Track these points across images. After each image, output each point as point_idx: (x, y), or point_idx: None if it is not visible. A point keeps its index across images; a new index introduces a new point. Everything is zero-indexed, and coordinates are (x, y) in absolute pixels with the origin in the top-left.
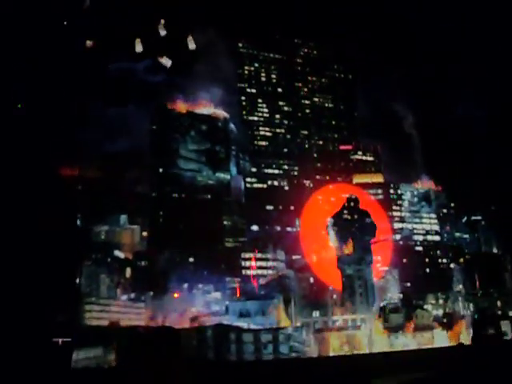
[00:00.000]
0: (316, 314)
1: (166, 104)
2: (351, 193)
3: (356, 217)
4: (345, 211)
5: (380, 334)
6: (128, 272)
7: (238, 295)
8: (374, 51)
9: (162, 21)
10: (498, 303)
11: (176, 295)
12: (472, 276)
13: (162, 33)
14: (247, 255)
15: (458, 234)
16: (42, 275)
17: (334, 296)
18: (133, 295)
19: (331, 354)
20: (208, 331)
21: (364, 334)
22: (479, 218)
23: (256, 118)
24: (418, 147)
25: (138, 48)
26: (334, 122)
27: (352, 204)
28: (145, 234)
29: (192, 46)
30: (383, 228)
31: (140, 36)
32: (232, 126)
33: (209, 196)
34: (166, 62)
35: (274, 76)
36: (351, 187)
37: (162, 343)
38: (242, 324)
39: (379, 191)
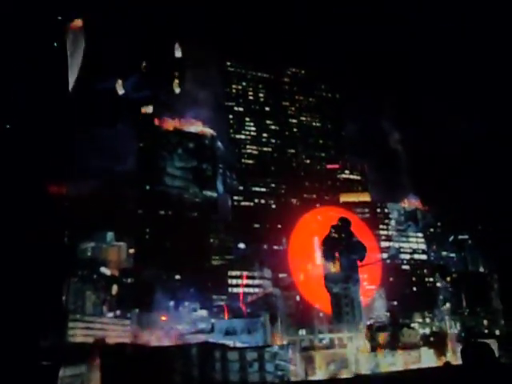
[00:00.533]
0: (302, 332)
1: (153, 121)
2: (339, 213)
3: (343, 235)
4: (333, 230)
5: (367, 352)
6: (114, 289)
7: (226, 317)
8: (360, 71)
9: (144, 63)
10: (485, 322)
11: (164, 318)
12: (459, 295)
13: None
14: (234, 273)
15: (444, 253)
16: (28, 292)
17: (321, 314)
18: (118, 312)
19: (317, 372)
20: (193, 349)
21: (351, 353)
22: (466, 237)
23: (243, 137)
24: (405, 167)
25: (120, 91)
26: (321, 141)
27: (340, 223)
28: (132, 251)
29: (177, 90)
30: (372, 250)
31: (121, 75)
32: (219, 143)
33: (195, 214)
34: (148, 109)
35: (261, 95)
36: (339, 208)
37: (147, 361)
38: (228, 342)
39: (366, 210)
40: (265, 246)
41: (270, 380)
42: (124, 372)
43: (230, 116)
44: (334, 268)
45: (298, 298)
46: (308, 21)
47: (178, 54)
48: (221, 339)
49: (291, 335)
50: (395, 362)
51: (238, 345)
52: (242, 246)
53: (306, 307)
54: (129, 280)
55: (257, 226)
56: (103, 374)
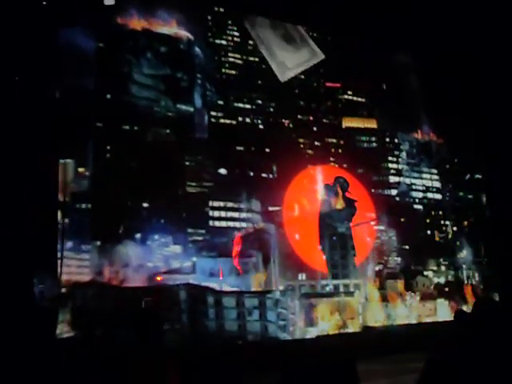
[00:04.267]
0: (302, 276)
1: (116, 19)
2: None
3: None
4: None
5: (376, 302)
6: (58, 216)
7: (211, 273)
8: None
9: None
10: None
11: (159, 278)
12: (476, 242)
13: None
14: (216, 204)
15: (461, 194)
16: None
17: (324, 257)
18: (70, 244)
19: (320, 322)
20: (181, 292)
21: (358, 302)
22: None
23: (224, 42)
24: (418, 92)
25: None
26: None
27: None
28: (81, 170)
29: None
30: (367, 208)
31: None
32: (197, 49)
33: (167, 131)
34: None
35: None
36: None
37: (125, 304)
38: (213, 285)
39: (373, 139)
40: (251, 173)
41: (272, 330)
42: (98, 315)
43: (209, 17)
44: (339, 205)
45: (297, 236)
46: None
47: None
48: (204, 281)
49: (288, 279)
50: (408, 313)
51: (225, 288)
52: (222, 171)
53: (307, 248)
54: (83, 205)
55: (240, 148)
56: (73, 317)
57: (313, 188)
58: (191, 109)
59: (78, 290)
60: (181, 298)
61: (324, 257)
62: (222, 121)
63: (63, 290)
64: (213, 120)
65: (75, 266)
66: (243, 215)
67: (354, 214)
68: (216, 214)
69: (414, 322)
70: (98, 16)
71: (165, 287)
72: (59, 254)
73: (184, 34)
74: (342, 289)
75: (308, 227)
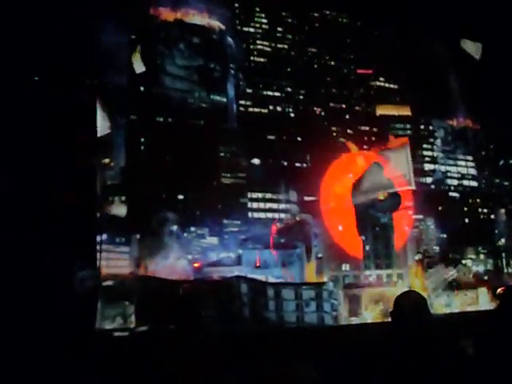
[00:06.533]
0: (346, 267)
1: (148, 10)
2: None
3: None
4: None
5: (418, 291)
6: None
7: (258, 265)
8: None
9: None
10: None
11: (196, 265)
12: None
13: None
14: (254, 195)
15: (497, 180)
16: None
17: (367, 247)
18: (104, 236)
19: (363, 313)
20: (242, 285)
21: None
22: None
23: (253, 30)
24: (454, 77)
25: None
26: (349, 41)
27: None
28: (106, 160)
29: None
30: (406, 196)
31: None
32: (230, 39)
33: (202, 122)
34: None
35: None
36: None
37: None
38: (260, 276)
39: (407, 126)
40: (285, 163)
41: (328, 321)
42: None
43: (236, 4)
44: (382, 195)
45: (340, 227)
46: None
47: None
48: (250, 273)
49: (333, 270)
50: (450, 302)
51: (271, 280)
52: (256, 161)
53: (350, 238)
54: (116, 198)
55: (271, 137)
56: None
57: (349, 177)
58: (224, 99)
59: (133, 284)
60: (241, 291)
61: (367, 247)
62: (250, 109)
63: (110, 282)
64: (242, 109)
65: (115, 258)
66: (282, 206)
67: (399, 204)
68: (255, 205)
69: (456, 310)
70: (130, 8)
71: (230, 281)
72: (98, 246)
73: (216, 23)
74: (385, 279)
75: (350, 218)
